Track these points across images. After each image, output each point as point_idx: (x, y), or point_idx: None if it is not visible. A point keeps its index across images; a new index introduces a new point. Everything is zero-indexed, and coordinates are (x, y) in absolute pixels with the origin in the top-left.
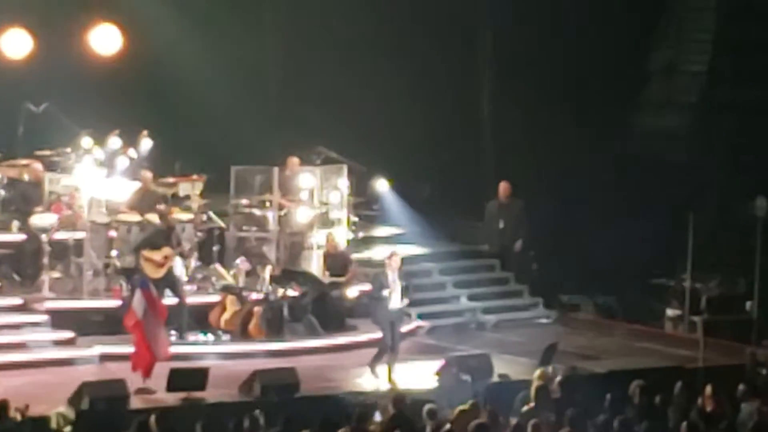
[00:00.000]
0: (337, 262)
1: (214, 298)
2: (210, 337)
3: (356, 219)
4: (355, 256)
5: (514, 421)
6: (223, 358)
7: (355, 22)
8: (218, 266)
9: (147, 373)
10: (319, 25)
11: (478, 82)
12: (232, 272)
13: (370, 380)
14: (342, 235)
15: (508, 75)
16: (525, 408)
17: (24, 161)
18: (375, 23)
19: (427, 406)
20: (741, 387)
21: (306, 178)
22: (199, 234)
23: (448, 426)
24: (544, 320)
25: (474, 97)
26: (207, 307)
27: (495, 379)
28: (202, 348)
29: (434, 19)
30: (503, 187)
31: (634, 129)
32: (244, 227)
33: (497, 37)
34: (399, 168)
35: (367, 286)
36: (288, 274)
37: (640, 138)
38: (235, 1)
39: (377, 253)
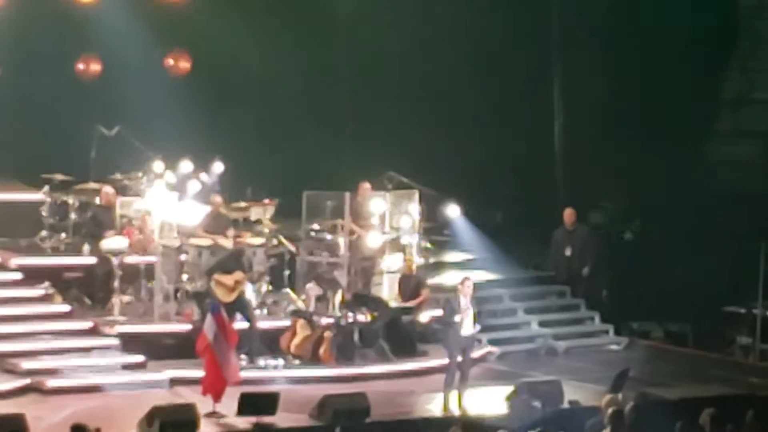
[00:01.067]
0: (409, 285)
1: (285, 322)
2: (280, 361)
3: (427, 244)
4: (426, 281)
5: None
6: (293, 382)
7: (428, 50)
8: (289, 291)
9: (217, 398)
10: (393, 52)
11: (550, 110)
12: (302, 297)
13: (441, 406)
14: (415, 261)
15: (580, 105)
16: None
17: (96, 185)
18: (448, 52)
19: None
20: None
21: (377, 203)
22: (271, 259)
23: None
24: (614, 347)
25: (546, 124)
26: (278, 332)
27: (565, 405)
28: (272, 372)
29: (507, 50)
30: (568, 213)
31: (708, 158)
32: (315, 252)
33: (569, 66)
34: (470, 194)
35: (438, 312)
36: (359, 299)
37: (714, 167)
38: (309, 27)
39: (448, 278)
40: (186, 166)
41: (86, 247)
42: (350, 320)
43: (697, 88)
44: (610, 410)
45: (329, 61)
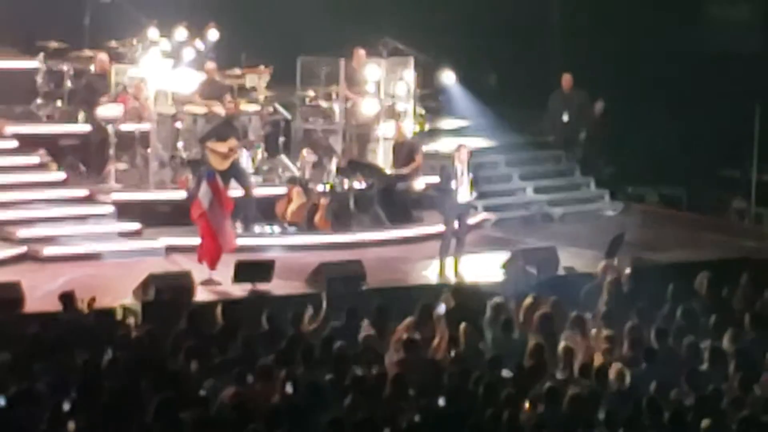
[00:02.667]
0: (402, 152)
1: (280, 190)
2: (276, 229)
3: (423, 111)
4: (420, 147)
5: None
6: (288, 250)
7: None
8: (284, 158)
9: (213, 265)
10: None
11: None
12: (298, 164)
13: (437, 272)
14: (408, 127)
15: None
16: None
17: (90, 52)
18: None
19: (494, 300)
20: None
21: (372, 70)
22: (266, 126)
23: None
24: (609, 212)
25: None
26: (273, 199)
27: (561, 271)
28: (267, 240)
29: None
30: (566, 78)
31: (704, 21)
32: (311, 119)
33: None
34: (466, 59)
35: (434, 179)
36: (354, 166)
37: (710, 30)
38: None
39: (443, 145)
40: (181, 33)
41: (81, 115)
42: (346, 187)
43: None
44: (608, 278)
45: None
